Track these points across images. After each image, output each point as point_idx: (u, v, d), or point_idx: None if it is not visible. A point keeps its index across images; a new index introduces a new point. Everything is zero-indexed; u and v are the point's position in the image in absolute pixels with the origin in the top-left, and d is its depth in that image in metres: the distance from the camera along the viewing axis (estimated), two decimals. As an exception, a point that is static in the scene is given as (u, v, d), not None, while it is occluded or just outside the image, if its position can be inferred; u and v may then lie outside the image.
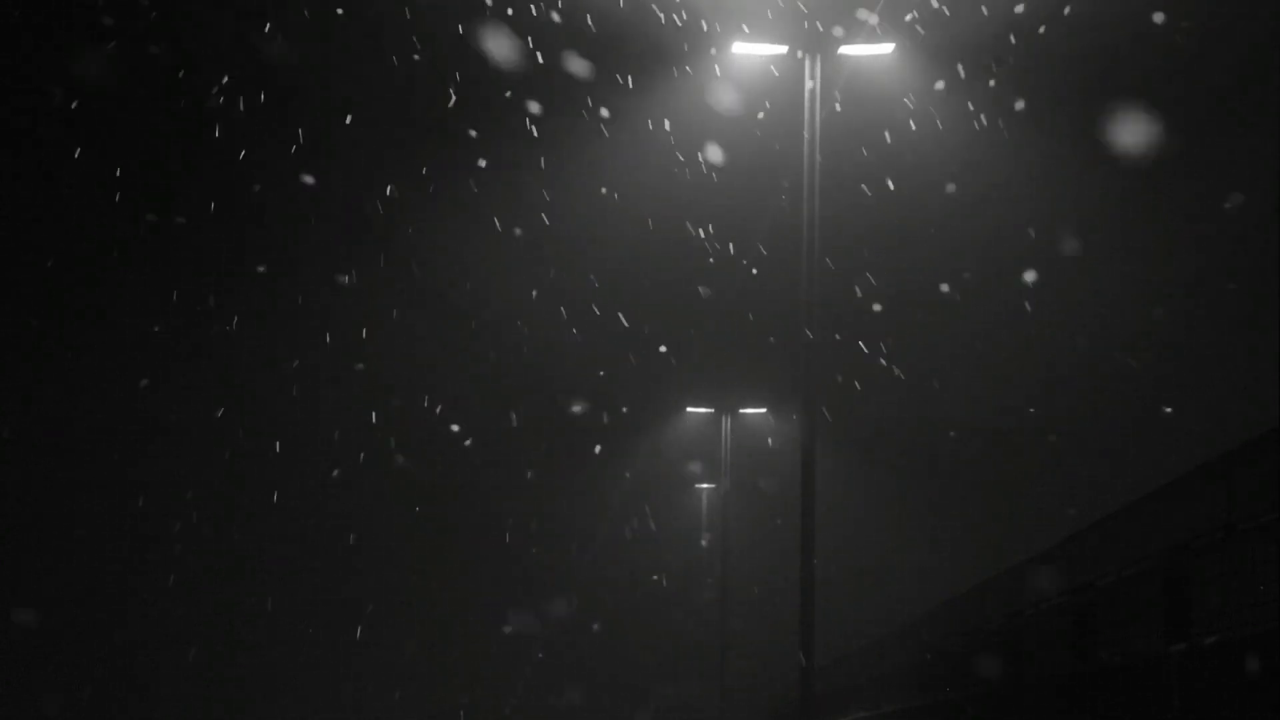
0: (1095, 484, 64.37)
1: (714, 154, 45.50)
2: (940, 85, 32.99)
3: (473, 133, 61.86)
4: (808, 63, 31.32)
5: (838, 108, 32.03)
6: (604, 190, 56.56)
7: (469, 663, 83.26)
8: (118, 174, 72.21)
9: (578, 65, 49.06)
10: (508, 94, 55.77)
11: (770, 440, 62.39)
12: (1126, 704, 19.16)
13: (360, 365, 76.02)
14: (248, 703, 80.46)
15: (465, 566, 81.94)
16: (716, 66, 32.32)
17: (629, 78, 42.02)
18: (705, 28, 33.13)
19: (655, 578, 75.20)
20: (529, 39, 52.37)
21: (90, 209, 75.21)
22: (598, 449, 72.75)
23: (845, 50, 31.44)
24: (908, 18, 32.48)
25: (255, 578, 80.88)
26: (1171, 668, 17.66)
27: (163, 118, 69.92)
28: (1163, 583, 19.01)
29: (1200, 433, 60.20)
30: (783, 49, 31.50)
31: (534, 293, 69.09)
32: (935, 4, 34.42)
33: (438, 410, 77.24)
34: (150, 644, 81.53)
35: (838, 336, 59.08)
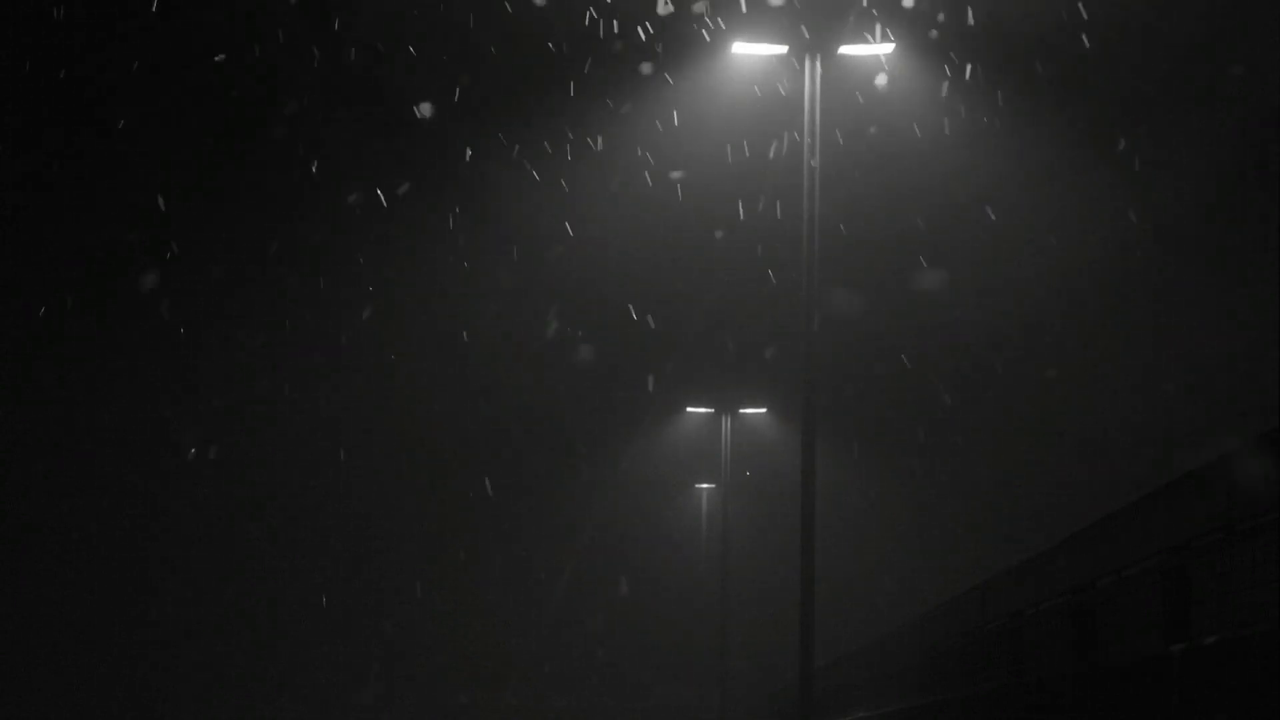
0: (1095, 484, 64.39)
1: (714, 153, 45.51)
2: (944, 85, 33.00)
3: (469, 151, 61.94)
4: (808, 62, 31.33)
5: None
6: (604, 190, 56.57)
7: (469, 663, 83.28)
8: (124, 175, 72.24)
9: (575, 64, 49.05)
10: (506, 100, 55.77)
11: (770, 440, 62.37)
12: (1127, 704, 19.16)
13: (365, 365, 76.04)
14: (248, 703, 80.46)
15: (465, 567, 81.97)
16: (717, 66, 32.29)
17: (628, 78, 42.01)
18: (705, 28, 33.13)
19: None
20: (527, 39, 52.36)
21: (98, 205, 75.22)
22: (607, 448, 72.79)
23: (845, 50, 31.46)
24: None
25: (255, 578, 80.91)
26: (1171, 668, 17.66)
27: (173, 118, 69.94)
28: (1163, 583, 19.01)
29: (1200, 433, 60.21)
30: (783, 49, 31.51)
31: (531, 295, 69.12)
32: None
33: (441, 410, 77.23)
34: (149, 645, 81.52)
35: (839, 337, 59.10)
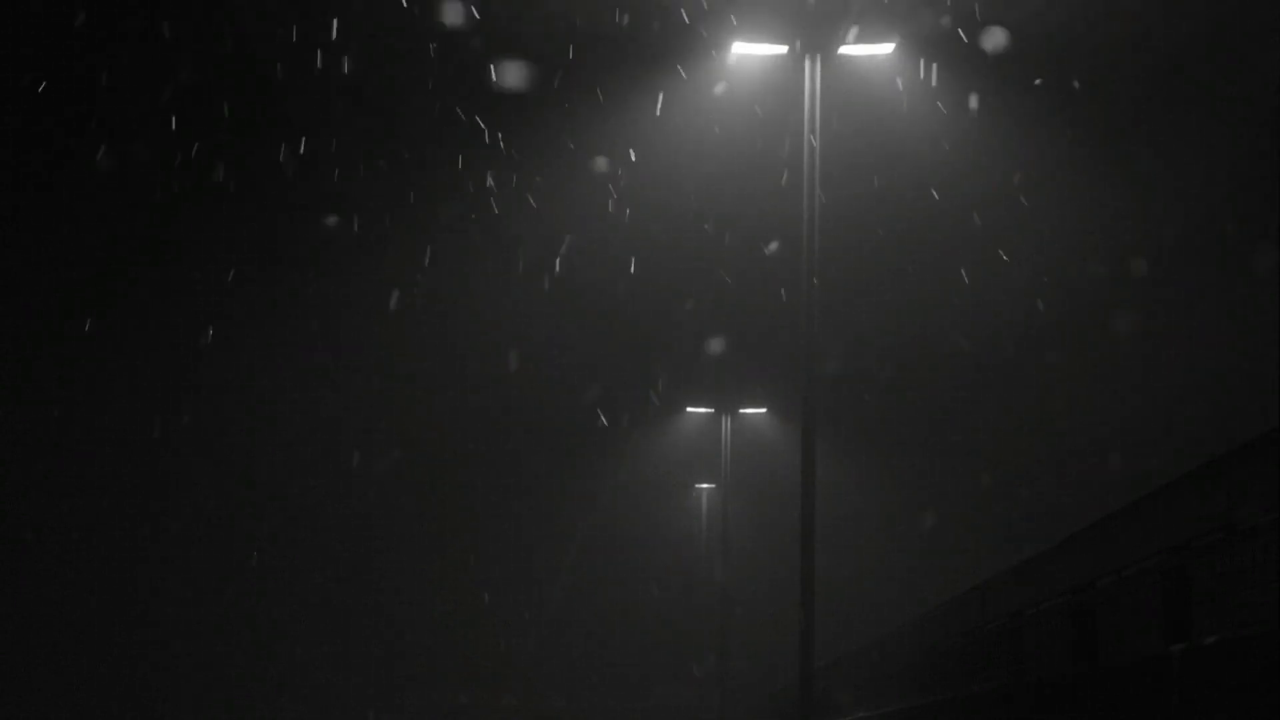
0: (1095, 484, 64.39)
1: (716, 154, 45.51)
2: (934, 82, 32.98)
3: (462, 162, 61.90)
4: (807, 62, 31.31)
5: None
6: (604, 191, 56.58)
7: (469, 663, 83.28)
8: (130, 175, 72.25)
9: (573, 66, 49.06)
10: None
11: (770, 440, 62.34)
12: (1126, 704, 19.16)
13: (365, 365, 76.04)
14: (247, 703, 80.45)
15: (465, 567, 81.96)
16: (717, 66, 32.27)
17: (629, 79, 41.99)
18: (705, 28, 33.12)
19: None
20: (528, 38, 52.35)
21: (102, 206, 75.23)
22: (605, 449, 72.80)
23: (845, 50, 31.43)
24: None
25: (255, 578, 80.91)
26: (1171, 668, 17.66)
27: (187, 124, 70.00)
28: (1163, 583, 19.01)
29: (1200, 433, 60.21)
30: (783, 49, 31.49)
31: (537, 292, 69.14)
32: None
33: (441, 410, 77.24)
34: (149, 645, 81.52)
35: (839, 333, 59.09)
